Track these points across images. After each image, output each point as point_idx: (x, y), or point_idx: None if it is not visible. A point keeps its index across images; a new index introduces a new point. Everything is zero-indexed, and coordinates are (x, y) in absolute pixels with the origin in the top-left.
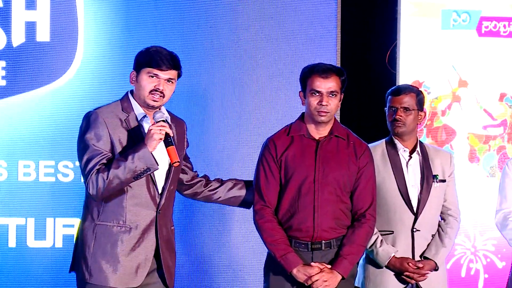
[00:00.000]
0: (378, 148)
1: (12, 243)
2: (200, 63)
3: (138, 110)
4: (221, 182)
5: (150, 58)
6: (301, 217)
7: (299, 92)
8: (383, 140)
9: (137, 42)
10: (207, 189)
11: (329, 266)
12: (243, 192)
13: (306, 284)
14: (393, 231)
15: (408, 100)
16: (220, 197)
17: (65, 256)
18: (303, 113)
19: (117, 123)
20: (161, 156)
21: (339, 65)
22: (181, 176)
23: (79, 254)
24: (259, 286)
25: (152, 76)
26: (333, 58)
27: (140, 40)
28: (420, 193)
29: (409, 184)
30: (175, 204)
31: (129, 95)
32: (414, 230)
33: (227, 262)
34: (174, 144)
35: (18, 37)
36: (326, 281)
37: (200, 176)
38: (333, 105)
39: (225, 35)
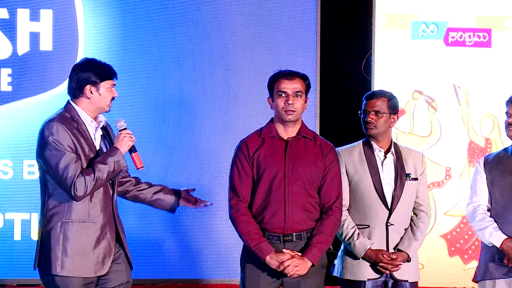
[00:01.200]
0: (355, 148)
1: (17, 236)
2: (191, 69)
3: (85, 117)
4: (150, 185)
5: (105, 71)
6: (273, 210)
7: (268, 98)
8: (360, 141)
9: (133, 51)
10: (136, 189)
11: (300, 254)
12: (168, 197)
13: (278, 270)
14: (369, 225)
15: (379, 104)
16: (146, 198)
17: None
18: (272, 118)
19: (72, 129)
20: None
21: (319, 72)
22: None
23: (47, 251)
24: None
25: (113, 86)
26: (313, 65)
27: (136, 48)
28: (394, 190)
29: (384, 182)
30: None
31: (73, 104)
32: (388, 224)
33: (214, 253)
34: (136, 150)
35: (23, 46)
36: (297, 266)
37: (131, 176)
38: (298, 104)
39: (213, 43)
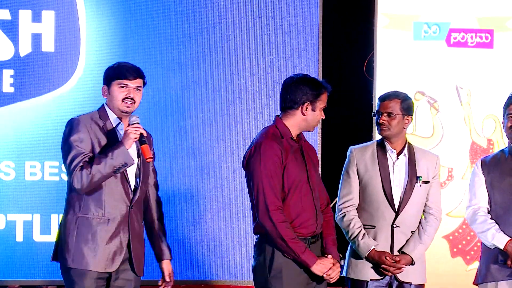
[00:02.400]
0: (369, 148)
1: (19, 237)
2: (193, 70)
3: (113, 117)
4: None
5: (118, 72)
6: (306, 217)
7: (306, 104)
8: (375, 141)
9: (134, 52)
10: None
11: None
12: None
13: (320, 275)
14: (375, 226)
15: (392, 106)
16: (149, 219)
17: None
18: (278, 115)
19: (96, 128)
20: (134, 156)
21: (321, 73)
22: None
23: (62, 244)
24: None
25: (122, 86)
26: (315, 67)
27: (137, 49)
28: (404, 192)
29: (393, 183)
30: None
31: (105, 105)
32: (394, 226)
33: (215, 254)
34: (146, 142)
35: (25, 48)
36: (336, 270)
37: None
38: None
39: (215, 45)
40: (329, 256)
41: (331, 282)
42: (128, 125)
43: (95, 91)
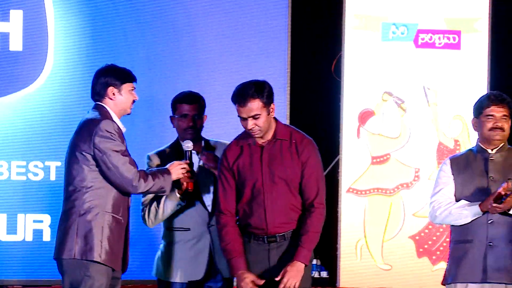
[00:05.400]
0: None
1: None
2: (161, 70)
3: (116, 119)
4: None
5: (129, 74)
6: (255, 217)
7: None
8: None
9: (102, 52)
10: None
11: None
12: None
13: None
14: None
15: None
16: None
17: (34, 249)
18: None
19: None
20: None
21: (289, 74)
22: None
23: (88, 238)
24: None
25: (133, 90)
26: (284, 67)
27: (105, 49)
28: None
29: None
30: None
31: (106, 107)
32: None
33: None
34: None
35: None
36: (292, 277)
37: None
38: (260, 123)
39: (184, 44)
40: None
41: None
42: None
43: (63, 90)
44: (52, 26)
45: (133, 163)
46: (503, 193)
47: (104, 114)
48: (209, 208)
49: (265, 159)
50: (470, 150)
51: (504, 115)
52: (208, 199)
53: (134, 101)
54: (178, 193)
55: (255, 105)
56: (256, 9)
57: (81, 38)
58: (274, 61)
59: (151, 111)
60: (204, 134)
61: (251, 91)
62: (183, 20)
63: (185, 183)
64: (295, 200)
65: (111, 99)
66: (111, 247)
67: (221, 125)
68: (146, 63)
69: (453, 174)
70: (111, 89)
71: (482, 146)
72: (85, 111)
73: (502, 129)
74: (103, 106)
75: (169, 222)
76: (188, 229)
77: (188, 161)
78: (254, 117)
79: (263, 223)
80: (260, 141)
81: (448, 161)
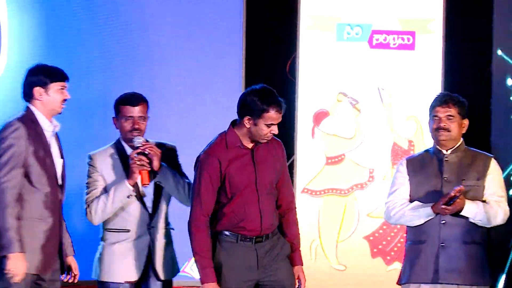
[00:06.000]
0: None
1: None
2: (116, 70)
3: (43, 120)
4: None
5: (57, 73)
6: (250, 220)
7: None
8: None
9: (57, 52)
10: None
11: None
12: None
13: None
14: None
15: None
16: None
17: None
18: (233, 122)
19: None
20: None
21: (244, 74)
22: None
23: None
24: None
25: (63, 89)
26: (239, 67)
27: (60, 49)
28: None
29: None
30: None
31: (32, 108)
32: None
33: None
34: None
35: None
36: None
37: None
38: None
39: (139, 44)
40: None
41: None
42: (137, 147)
43: (16, 91)
44: (5, 25)
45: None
46: (452, 194)
47: (24, 116)
48: (150, 210)
49: (257, 162)
50: (427, 150)
51: (449, 115)
52: (149, 200)
53: (65, 100)
54: (129, 183)
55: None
56: (211, 9)
57: (35, 37)
58: (229, 61)
59: (105, 111)
60: (162, 129)
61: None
62: (137, 19)
63: (137, 172)
64: (274, 201)
65: (38, 99)
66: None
67: (177, 125)
68: (100, 62)
69: (408, 175)
70: (37, 90)
71: (438, 147)
72: None
73: (447, 129)
74: (28, 107)
75: (108, 223)
76: (128, 230)
77: (137, 151)
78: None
79: (258, 225)
80: (249, 144)
81: (404, 162)
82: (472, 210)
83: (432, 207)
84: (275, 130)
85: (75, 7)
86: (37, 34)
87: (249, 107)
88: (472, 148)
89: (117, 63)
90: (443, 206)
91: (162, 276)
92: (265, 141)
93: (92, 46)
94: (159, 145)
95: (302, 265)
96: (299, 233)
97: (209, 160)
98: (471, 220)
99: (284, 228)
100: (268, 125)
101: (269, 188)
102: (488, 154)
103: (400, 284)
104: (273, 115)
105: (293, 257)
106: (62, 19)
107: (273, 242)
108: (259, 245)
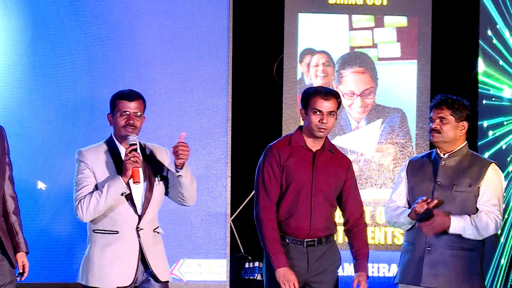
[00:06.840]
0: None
1: None
2: (102, 72)
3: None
4: None
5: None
6: (299, 219)
7: (300, 109)
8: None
9: (43, 53)
10: None
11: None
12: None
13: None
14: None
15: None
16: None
17: None
18: (300, 126)
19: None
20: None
21: (231, 75)
22: None
23: None
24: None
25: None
26: (225, 69)
27: (46, 51)
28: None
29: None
30: None
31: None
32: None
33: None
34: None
35: None
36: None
37: None
38: (330, 123)
39: (125, 46)
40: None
41: None
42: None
43: (2, 92)
44: None
45: None
46: (417, 209)
47: None
48: (139, 211)
49: (317, 165)
50: (430, 152)
51: (442, 117)
52: (138, 201)
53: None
54: (123, 180)
55: (334, 102)
56: (198, 10)
57: (21, 39)
58: (215, 63)
59: (92, 112)
60: (148, 130)
61: (334, 92)
62: (124, 21)
63: (131, 170)
64: (333, 208)
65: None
66: None
67: (163, 127)
68: (87, 64)
69: (407, 176)
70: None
71: (438, 150)
72: (25, 112)
73: (437, 131)
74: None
75: (96, 224)
76: (117, 232)
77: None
78: (330, 114)
79: (307, 227)
80: (313, 147)
81: (407, 162)
82: (459, 226)
83: (408, 215)
84: (325, 119)
85: (60, 10)
86: (23, 36)
87: (302, 99)
88: (476, 153)
89: (103, 64)
90: (421, 223)
91: (162, 278)
92: (320, 133)
93: (78, 48)
94: (150, 149)
95: (367, 274)
96: (367, 247)
97: (270, 152)
98: (462, 235)
99: (351, 241)
100: (315, 112)
101: (326, 194)
102: (489, 160)
103: (393, 283)
104: (318, 100)
105: (357, 265)
106: (48, 22)
107: (326, 249)
108: (311, 249)
